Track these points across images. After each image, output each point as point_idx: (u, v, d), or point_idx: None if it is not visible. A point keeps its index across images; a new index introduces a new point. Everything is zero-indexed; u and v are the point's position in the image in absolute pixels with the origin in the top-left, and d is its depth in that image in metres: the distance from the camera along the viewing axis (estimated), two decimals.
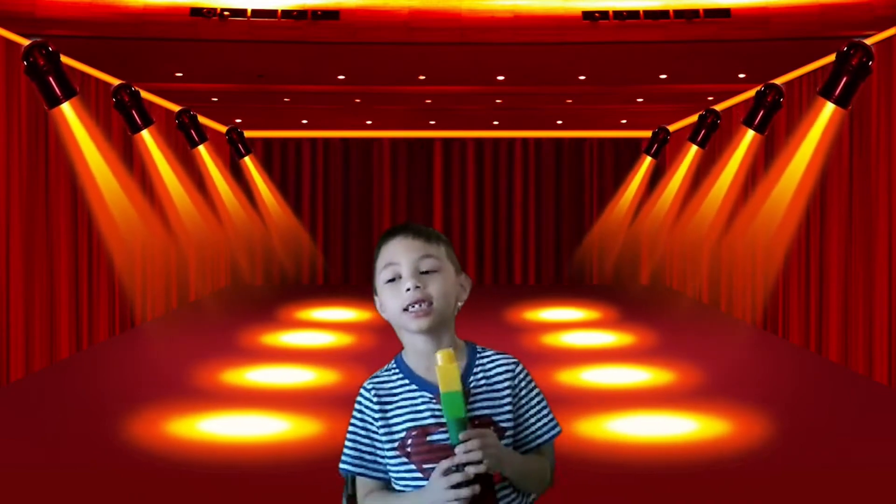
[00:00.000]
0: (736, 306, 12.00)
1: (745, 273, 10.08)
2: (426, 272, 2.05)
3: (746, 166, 11.33)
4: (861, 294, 8.89)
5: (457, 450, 1.90)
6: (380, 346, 10.48)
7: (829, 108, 8.72)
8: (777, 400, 7.78)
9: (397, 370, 2.09)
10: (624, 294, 15.56)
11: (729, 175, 11.55)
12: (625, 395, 8.08)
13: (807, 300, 10.19)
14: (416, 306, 2.02)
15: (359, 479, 2.08)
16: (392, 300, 2.06)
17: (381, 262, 2.08)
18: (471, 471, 1.89)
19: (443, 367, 1.92)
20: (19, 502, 5.37)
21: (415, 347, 2.08)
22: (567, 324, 12.30)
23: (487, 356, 2.11)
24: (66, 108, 8.85)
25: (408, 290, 2.03)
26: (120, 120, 10.84)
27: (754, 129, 10.77)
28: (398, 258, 2.05)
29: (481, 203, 17.65)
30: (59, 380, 8.69)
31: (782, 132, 10.73)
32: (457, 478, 1.89)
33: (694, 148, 13.55)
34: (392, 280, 2.06)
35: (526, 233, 17.64)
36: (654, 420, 7.14)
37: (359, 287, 16.98)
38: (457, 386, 1.91)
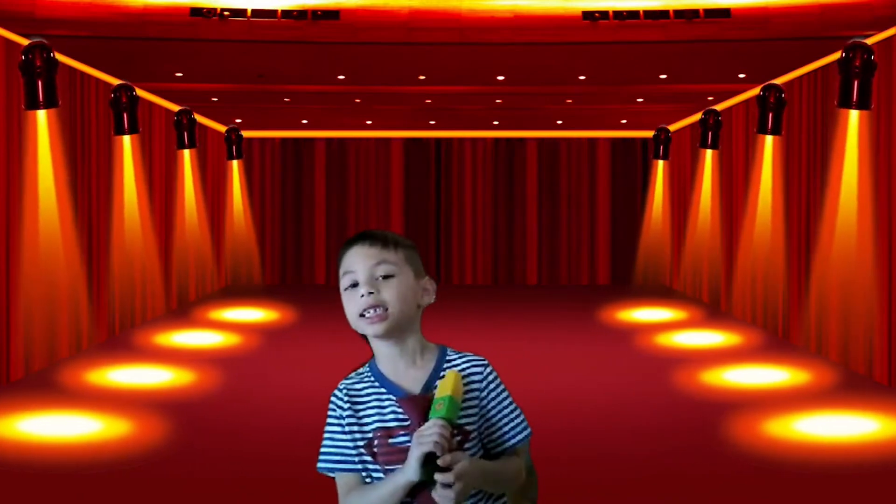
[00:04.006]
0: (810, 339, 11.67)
1: (832, 305, 9.75)
2: (381, 277, 2.10)
3: (780, 174, 11.00)
4: (861, 294, 8.88)
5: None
6: (258, 348, 10.46)
7: (855, 114, 8.71)
8: None
9: (369, 373, 2.14)
10: (686, 296, 15.00)
11: (767, 190, 11.24)
12: (788, 394, 8.04)
13: (807, 300, 10.18)
14: (371, 311, 2.08)
15: (339, 479, 2.10)
16: (350, 306, 2.11)
17: (341, 271, 2.14)
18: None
19: (446, 378, 2.01)
20: None
21: (381, 352, 2.13)
22: (667, 324, 11.95)
23: (455, 359, 2.14)
24: (41, 113, 8.85)
25: (362, 296, 2.08)
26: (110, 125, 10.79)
27: (770, 133, 10.71)
28: (355, 266, 2.11)
29: (479, 203, 17.63)
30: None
31: (798, 137, 10.70)
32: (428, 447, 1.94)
33: (709, 152, 13.47)
34: (349, 287, 2.11)
35: (543, 233, 17.49)
36: (839, 420, 7.16)
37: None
38: (449, 392, 1.99)
